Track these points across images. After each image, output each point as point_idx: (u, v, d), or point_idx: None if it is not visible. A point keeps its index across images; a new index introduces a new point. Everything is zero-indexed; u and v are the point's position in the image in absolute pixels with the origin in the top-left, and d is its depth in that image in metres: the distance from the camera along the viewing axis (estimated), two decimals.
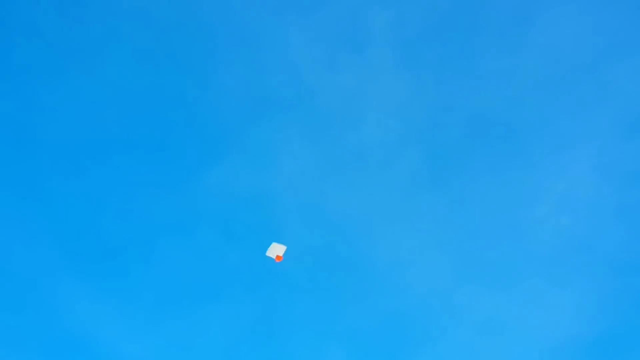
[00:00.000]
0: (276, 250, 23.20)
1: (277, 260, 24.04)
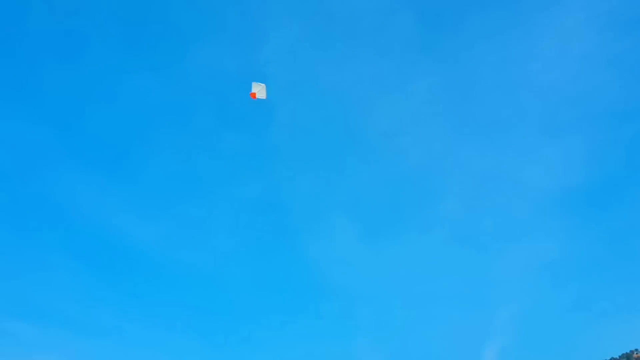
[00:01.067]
0: (256, 88, 24.95)
1: (253, 97, 25.55)
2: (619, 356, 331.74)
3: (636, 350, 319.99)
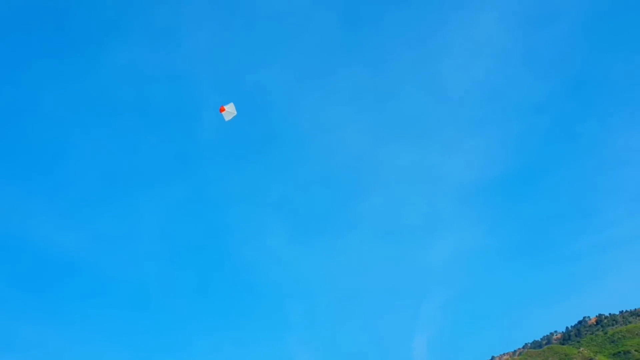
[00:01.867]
0: (229, 108, 25.37)
1: (221, 111, 25.90)
2: (540, 338, 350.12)
3: (555, 331, 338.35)
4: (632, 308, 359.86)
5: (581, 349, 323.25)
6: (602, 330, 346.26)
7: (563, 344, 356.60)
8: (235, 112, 25.70)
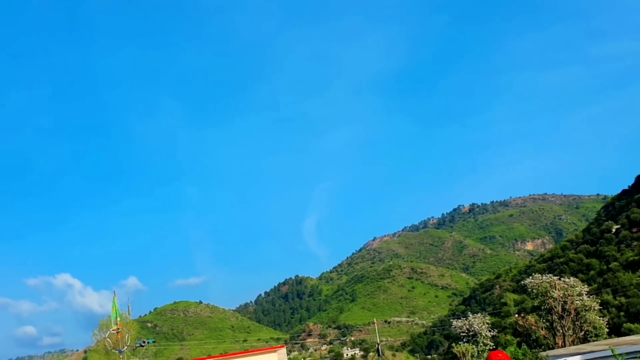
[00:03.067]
0: None
1: None
2: (418, 222, 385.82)
3: (432, 217, 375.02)
4: (501, 199, 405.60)
5: (453, 233, 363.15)
6: (474, 218, 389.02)
7: (438, 229, 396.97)
8: None
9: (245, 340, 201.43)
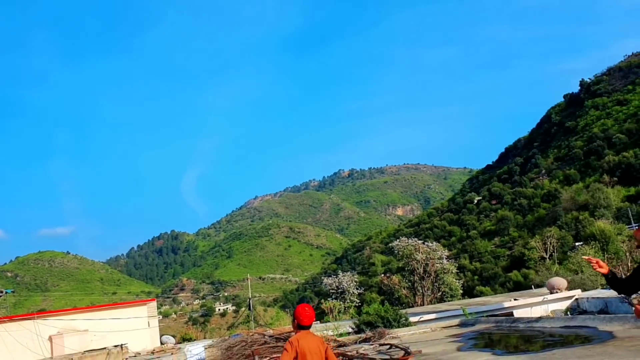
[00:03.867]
0: None
1: None
2: (300, 184, 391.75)
3: (313, 179, 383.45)
4: (378, 166, 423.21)
5: (332, 195, 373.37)
6: (352, 182, 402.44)
7: (318, 191, 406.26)
8: None
9: (114, 293, 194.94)
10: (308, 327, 6.07)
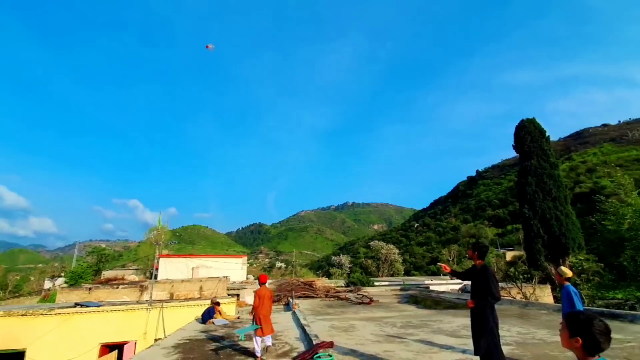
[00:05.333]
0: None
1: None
2: (337, 204, 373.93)
3: (348, 201, 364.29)
4: (367, 202, 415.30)
5: (342, 214, 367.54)
6: (353, 208, 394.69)
7: (334, 211, 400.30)
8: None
9: (227, 250, 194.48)
10: (264, 284, 6.04)
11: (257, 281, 24.53)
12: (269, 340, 5.75)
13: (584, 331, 1.40)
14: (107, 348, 11.61)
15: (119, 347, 11.49)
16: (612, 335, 6.47)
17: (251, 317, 5.90)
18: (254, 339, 5.57)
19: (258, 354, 5.48)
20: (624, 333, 6.68)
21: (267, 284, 6.31)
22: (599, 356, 1.36)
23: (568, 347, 1.48)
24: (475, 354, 3.86)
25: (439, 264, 5.70)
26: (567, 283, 4.73)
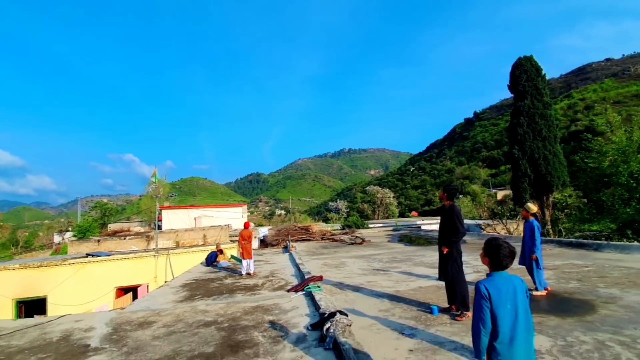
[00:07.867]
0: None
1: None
2: (334, 151, 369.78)
3: (344, 147, 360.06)
4: (364, 147, 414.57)
5: (338, 161, 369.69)
6: (350, 155, 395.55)
7: (331, 158, 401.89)
8: None
9: (227, 200, 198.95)
10: (247, 228, 8.05)
11: (258, 228, 25.88)
12: (251, 267, 8.01)
13: (493, 253, 1.97)
14: (122, 291, 12.75)
15: (133, 289, 12.61)
16: (576, 261, 7.25)
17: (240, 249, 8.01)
18: (242, 262, 8.06)
19: (243, 272, 7.99)
20: (585, 260, 7.45)
21: (249, 228, 8.21)
22: (501, 271, 1.96)
23: (483, 263, 2.04)
24: (439, 279, 4.45)
25: (410, 213, 6.37)
26: (532, 218, 5.19)
